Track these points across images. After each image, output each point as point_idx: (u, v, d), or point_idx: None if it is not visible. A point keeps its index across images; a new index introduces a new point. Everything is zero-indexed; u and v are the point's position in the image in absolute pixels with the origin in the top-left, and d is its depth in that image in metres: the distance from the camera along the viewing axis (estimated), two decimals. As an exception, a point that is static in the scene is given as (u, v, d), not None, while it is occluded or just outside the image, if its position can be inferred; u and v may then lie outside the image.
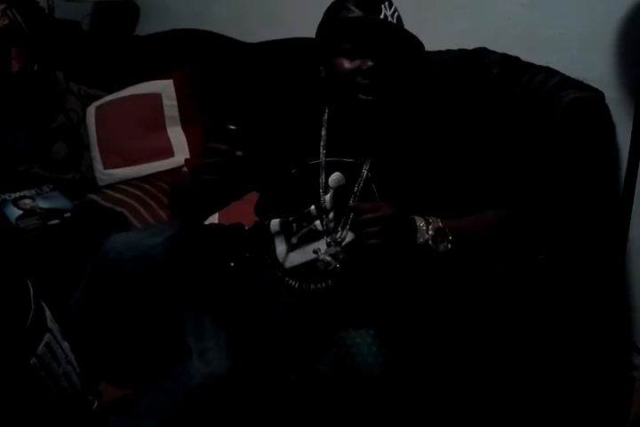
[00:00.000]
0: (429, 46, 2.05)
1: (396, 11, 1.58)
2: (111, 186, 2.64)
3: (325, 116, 1.69)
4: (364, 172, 1.62)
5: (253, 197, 1.80)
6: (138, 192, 2.46)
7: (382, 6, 1.55)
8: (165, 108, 2.66)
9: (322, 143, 1.66)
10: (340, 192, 1.63)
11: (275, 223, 1.67)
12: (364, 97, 1.56)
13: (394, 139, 1.64)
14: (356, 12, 1.55)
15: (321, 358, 1.46)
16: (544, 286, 1.67)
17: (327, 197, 1.63)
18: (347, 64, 1.56)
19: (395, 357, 1.42)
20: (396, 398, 1.41)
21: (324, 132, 1.68)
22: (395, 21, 1.57)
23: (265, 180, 1.72)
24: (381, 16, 1.54)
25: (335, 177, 1.63)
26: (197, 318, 1.57)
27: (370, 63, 1.54)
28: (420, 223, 1.47)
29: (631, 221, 1.77)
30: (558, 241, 1.73)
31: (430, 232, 1.46)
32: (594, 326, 1.82)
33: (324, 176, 1.63)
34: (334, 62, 1.58)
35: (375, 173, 1.62)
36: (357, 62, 1.55)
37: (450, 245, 1.48)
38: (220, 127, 1.44)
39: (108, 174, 2.68)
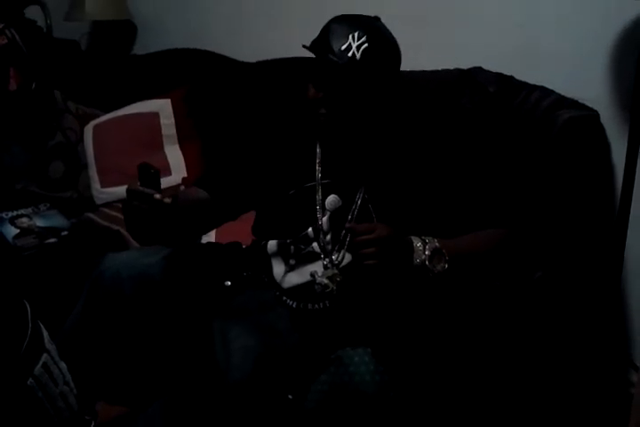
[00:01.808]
0: (426, 65, 2.08)
1: (365, 42, 1.54)
2: (108, 204, 2.64)
3: (320, 139, 1.70)
4: (361, 193, 1.63)
5: (250, 215, 1.80)
6: (135, 211, 2.46)
7: (350, 36, 1.53)
8: (163, 128, 2.66)
9: (317, 165, 1.67)
10: (337, 214, 1.63)
11: (272, 244, 1.68)
12: (323, 119, 1.58)
13: (389, 159, 1.65)
14: (318, 47, 1.57)
15: (318, 377, 1.45)
16: (541, 303, 1.67)
17: (324, 219, 1.63)
18: (311, 89, 1.59)
19: (392, 376, 1.41)
20: (393, 416, 1.41)
21: (318, 154, 1.69)
22: (357, 55, 1.53)
23: (262, 200, 1.73)
24: (344, 47, 1.52)
25: (332, 199, 1.64)
26: (194, 339, 1.57)
27: (322, 95, 1.56)
28: (417, 243, 1.47)
29: (627, 239, 1.77)
30: (555, 259, 1.74)
31: (427, 252, 1.47)
32: (591, 343, 1.82)
33: (320, 198, 1.64)
34: (307, 86, 1.61)
35: (371, 194, 1.62)
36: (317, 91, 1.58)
37: (447, 266, 1.48)
38: (142, 170, 1.44)
39: (105, 193, 2.68)
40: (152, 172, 1.44)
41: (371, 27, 1.57)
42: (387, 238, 1.43)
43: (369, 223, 1.53)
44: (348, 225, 1.48)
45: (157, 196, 1.40)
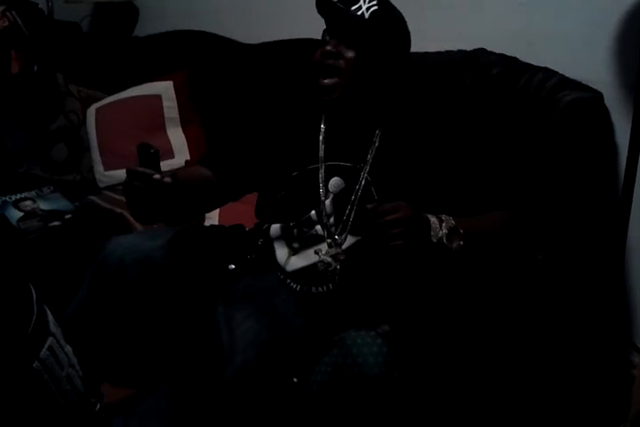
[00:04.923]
0: (429, 47, 2.07)
1: (375, 5, 1.56)
2: (111, 187, 2.65)
3: (323, 120, 1.70)
4: (364, 175, 1.62)
5: (253, 197, 1.80)
6: (138, 193, 2.46)
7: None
8: (165, 110, 2.66)
9: (320, 147, 1.67)
10: (340, 196, 1.63)
11: (275, 228, 1.68)
12: (325, 81, 1.58)
13: (392, 142, 1.65)
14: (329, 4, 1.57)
15: (322, 359, 1.46)
16: (543, 285, 1.68)
17: (327, 201, 1.63)
18: (317, 53, 1.59)
19: (396, 357, 1.42)
20: (397, 398, 1.41)
21: (322, 136, 1.68)
22: (367, 14, 1.55)
23: (264, 181, 1.73)
24: (354, 7, 1.54)
25: (335, 182, 1.64)
26: (199, 322, 1.58)
27: (331, 45, 1.56)
28: (434, 221, 1.47)
29: (630, 221, 1.77)
30: (558, 241, 1.74)
31: (444, 230, 1.46)
32: (593, 325, 1.83)
33: (323, 181, 1.64)
34: (314, 51, 1.61)
35: (374, 176, 1.62)
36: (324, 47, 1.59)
37: (462, 243, 1.48)
38: (141, 150, 1.44)
39: (108, 176, 2.68)
40: (151, 152, 1.44)
41: None
42: (412, 218, 1.42)
43: (393, 203, 1.48)
44: (369, 206, 1.43)
45: (157, 176, 1.40)
